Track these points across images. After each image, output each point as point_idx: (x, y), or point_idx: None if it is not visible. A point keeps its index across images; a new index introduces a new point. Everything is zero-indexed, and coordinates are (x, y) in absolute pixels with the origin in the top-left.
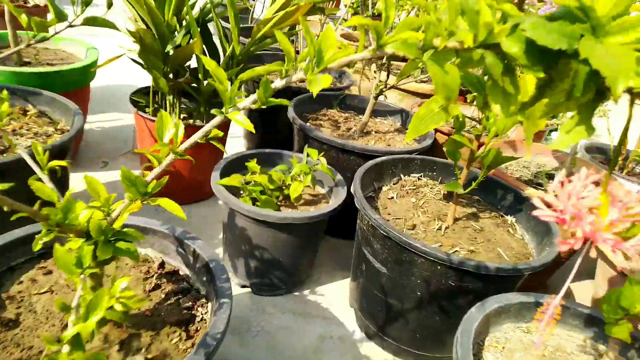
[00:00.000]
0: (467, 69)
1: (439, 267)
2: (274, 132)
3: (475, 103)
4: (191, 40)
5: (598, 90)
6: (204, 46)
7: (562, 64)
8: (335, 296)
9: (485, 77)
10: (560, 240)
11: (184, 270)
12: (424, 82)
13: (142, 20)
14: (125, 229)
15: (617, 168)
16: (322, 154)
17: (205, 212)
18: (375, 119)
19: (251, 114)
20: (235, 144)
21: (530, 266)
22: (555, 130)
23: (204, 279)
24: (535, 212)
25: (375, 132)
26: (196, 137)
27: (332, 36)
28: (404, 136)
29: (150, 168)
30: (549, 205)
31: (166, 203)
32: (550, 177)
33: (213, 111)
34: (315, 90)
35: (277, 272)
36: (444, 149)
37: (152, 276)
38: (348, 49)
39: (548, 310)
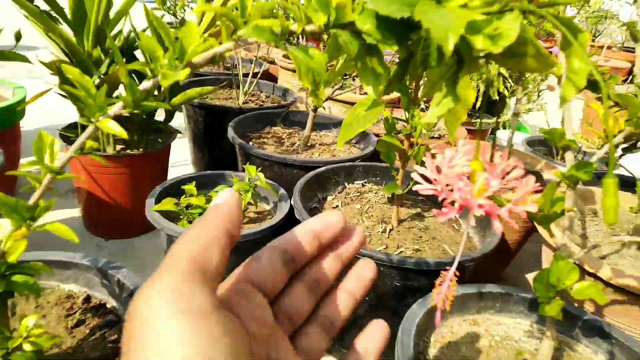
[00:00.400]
0: (338, 53)
1: (381, 269)
2: (222, 155)
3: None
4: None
5: (459, 59)
6: (132, 74)
7: (415, 34)
8: None
9: (359, 64)
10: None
11: (111, 303)
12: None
13: (63, 51)
14: (29, 263)
15: (558, 157)
16: (259, 169)
17: (152, 244)
18: (320, 132)
19: (196, 138)
20: (185, 171)
21: (470, 257)
22: (498, 128)
23: None
24: (415, 187)
25: (320, 144)
26: (71, 150)
27: (194, 31)
28: (349, 146)
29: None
30: (429, 181)
31: (56, 228)
32: None
33: (81, 121)
34: (165, 84)
35: None
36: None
37: (76, 312)
38: (210, 42)
39: (443, 284)
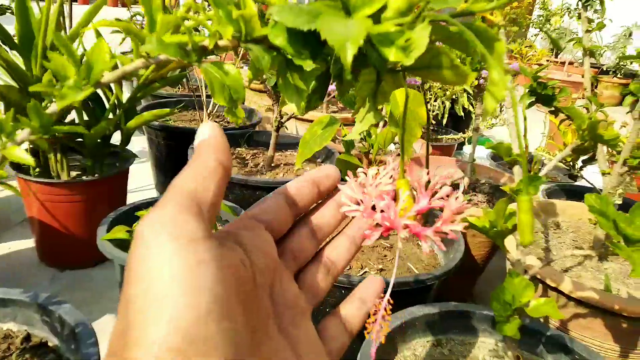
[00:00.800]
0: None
1: (342, 291)
2: None
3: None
4: None
5: (378, 76)
6: (87, 100)
7: (328, 48)
8: None
9: (280, 79)
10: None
11: (52, 341)
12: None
13: (11, 76)
14: None
15: None
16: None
17: (109, 274)
18: (285, 152)
19: (159, 162)
20: (150, 196)
21: (433, 275)
22: (464, 144)
23: (72, 346)
24: (342, 209)
25: (285, 164)
26: None
27: (104, 49)
28: (314, 165)
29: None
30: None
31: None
32: (456, 186)
33: None
34: (61, 105)
35: None
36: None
37: (13, 353)
38: (121, 59)
39: (378, 313)
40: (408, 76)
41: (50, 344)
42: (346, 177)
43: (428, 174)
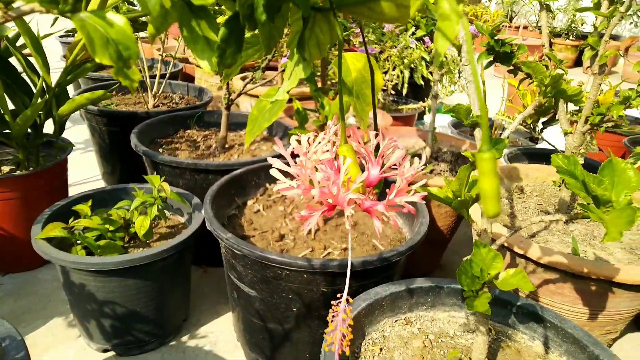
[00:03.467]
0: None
1: (304, 276)
2: (136, 166)
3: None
4: None
5: (305, 19)
6: (9, 83)
7: None
8: (221, 334)
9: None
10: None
11: None
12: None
13: None
14: None
15: None
16: (162, 179)
17: (57, 274)
18: (240, 132)
19: (103, 150)
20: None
21: (397, 251)
22: (424, 114)
23: None
24: (275, 188)
25: (239, 145)
26: None
27: None
28: (271, 144)
29: None
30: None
31: None
32: (418, 156)
33: None
34: None
35: (141, 325)
36: None
37: None
38: None
39: (337, 315)
40: (344, 18)
41: None
42: (274, 147)
43: (377, 137)
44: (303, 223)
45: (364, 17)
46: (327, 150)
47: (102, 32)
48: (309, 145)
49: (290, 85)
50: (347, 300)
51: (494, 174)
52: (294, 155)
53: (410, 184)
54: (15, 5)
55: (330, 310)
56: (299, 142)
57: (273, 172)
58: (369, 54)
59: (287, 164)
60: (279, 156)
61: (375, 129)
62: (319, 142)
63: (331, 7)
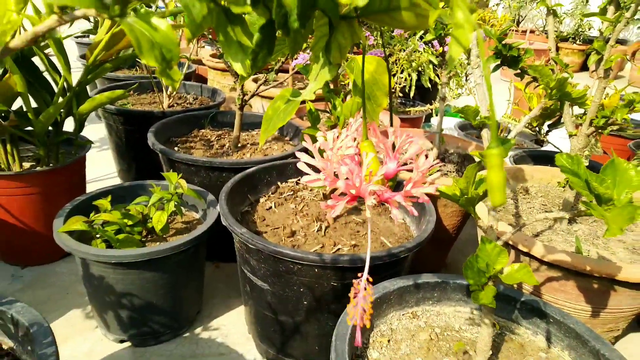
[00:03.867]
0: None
1: (315, 270)
2: (151, 163)
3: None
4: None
5: (330, 23)
6: (31, 82)
7: None
8: (233, 326)
9: (220, 36)
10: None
11: (7, 343)
12: (301, 88)
13: None
14: None
15: None
16: (180, 175)
17: (76, 268)
18: (252, 132)
19: (119, 148)
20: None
21: (405, 248)
22: (431, 116)
23: (29, 347)
24: (303, 180)
25: (252, 144)
26: None
27: (8, 5)
28: (282, 143)
29: None
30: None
31: None
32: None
33: None
34: None
35: (157, 317)
36: None
37: None
38: (31, 18)
39: (358, 294)
40: (366, 24)
41: (4, 345)
42: (303, 142)
43: (394, 134)
44: (328, 209)
45: (385, 24)
46: (351, 146)
47: (148, 35)
48: (334, 141)
49: (317, 86)
50: (368, 280)
51: (501, 168)
52: (319, 151)
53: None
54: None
55: (352, 289)
56: (325, 138)
57: (300, 166)
58: (386, 58)
59: (313, 157)
60: (304, 150)
61: (392, 125)
62: (344, 139)
63: (357, 15)
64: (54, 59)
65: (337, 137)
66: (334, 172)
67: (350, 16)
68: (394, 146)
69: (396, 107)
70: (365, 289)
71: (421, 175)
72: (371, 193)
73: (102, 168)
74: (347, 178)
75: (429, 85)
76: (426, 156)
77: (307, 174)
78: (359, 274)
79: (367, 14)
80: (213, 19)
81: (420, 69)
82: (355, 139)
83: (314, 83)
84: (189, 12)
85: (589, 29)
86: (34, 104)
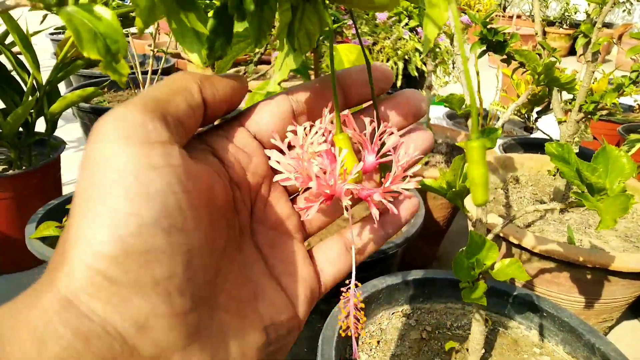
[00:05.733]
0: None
1: None
2: None
3: None
4: None
5: (293, 6)
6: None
7: None
8: None
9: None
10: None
11: None
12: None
13: None
14: None
15: (479, 127)
16: None
17: None
18: None
19: None
20: None
21: (394, 244)
22: None
23: None
24: (275, 179)
25: None
26: None
27: None
28: None
29: None
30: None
31: None
32: None
33: None
34: None
35: None
36: None
37: None
38: None
39: (348, 300)
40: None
41: None
42: (272, 139)
43: (372, 123)
44: (301, 211)
45: (353, 5)
46: (324, 141)
47: (89, 26)
48: (305, 136)
49: (281, 77)
50: (356, 285)
51: (483, 162)
52: (290, 147)
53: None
54: None
55: (341, 297)
56: (295, 132)
57: (272, 164)
58: (362, 46)
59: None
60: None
61: (377, 118)
62: (315, 133)
63: None
64: (22, 57)
65: (309, 130)
66: (306, 172)
67: None
68: (373, 137)
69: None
70: (354, 295)
71: (401, 170)
72: (347, 192)
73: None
74: (318, 177)
75: (416, 74)
76: (406, 150)
77: (279, 172)
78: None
79: None
80: (164, 5)
81: (406, 57)
82: (330, 132)
83: (279, 73)
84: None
85: (575, 13)
86: (1, 105)
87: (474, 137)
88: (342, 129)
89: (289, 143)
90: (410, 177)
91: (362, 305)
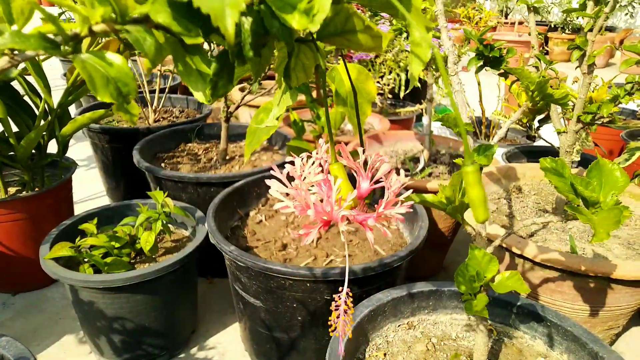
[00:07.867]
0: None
1: (307, 285)
2: (139, 180)
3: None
4: None
5: (289, 52)
6: (11, 106)
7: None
8: (229, 344)
9: (179, 66)
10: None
11: None
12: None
13: None
14: None
15: (482, 136)
16: (166, 194)
17: (67, 292)
18: (240, 143)
19: (106, 167)
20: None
21: (398, 257)
22: (422, 115)
23: None
24: (275, 206)
25: (240, 156)
26: None
27: None
28: (271, 153)
29: None
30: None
31: None
32: (416, 160)
33: None
34: None
35: (150, 339)
36: None
37: None
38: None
39: (340, 308)
40: (326, 46)
41: None
42: (271, 171)
43: (364, 152)
44: (302, 238)
45: (344, 46)
46: (320, 172)
47: (102, 71)
48: (303, 166)
49: (280, 112)
50: (348, 294)
51: (479, 185)
52: (289, 178)
53: (398, 195)
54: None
55: (334, 302)
56: (293, 163)
57: (273, 193)
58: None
59: (285, 184)
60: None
61: (362, 144)
62: (312, 164)
63: (312, 39)
64: (34, 81)
65: (306, 161)
66: (304, 200)
67: (308, 39)
68: (365, 164)
69: (386, 109)
70: (345, 302)
71: (393, 195)
72: (343, 218)
73: (90, 187)
74: (315, 204)
75: (419, 85)
76: (397, 173)
77: (281, 200)
78: (346, 289)
79: (324, 37)
80: (170, 47)
81: (408, 68)
82: (326, 161)
83: (277, 108)
84: (140, 47)
85: (577, 18)
86: (15, 128)
87: (468, 162)
88: (336, 158)
89: (288, 174)
90: (402, 202)
91: (352, 310)
